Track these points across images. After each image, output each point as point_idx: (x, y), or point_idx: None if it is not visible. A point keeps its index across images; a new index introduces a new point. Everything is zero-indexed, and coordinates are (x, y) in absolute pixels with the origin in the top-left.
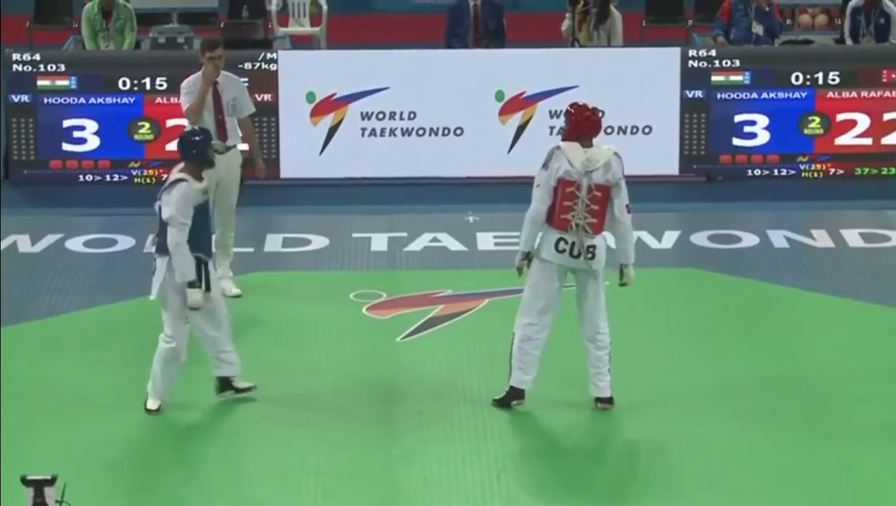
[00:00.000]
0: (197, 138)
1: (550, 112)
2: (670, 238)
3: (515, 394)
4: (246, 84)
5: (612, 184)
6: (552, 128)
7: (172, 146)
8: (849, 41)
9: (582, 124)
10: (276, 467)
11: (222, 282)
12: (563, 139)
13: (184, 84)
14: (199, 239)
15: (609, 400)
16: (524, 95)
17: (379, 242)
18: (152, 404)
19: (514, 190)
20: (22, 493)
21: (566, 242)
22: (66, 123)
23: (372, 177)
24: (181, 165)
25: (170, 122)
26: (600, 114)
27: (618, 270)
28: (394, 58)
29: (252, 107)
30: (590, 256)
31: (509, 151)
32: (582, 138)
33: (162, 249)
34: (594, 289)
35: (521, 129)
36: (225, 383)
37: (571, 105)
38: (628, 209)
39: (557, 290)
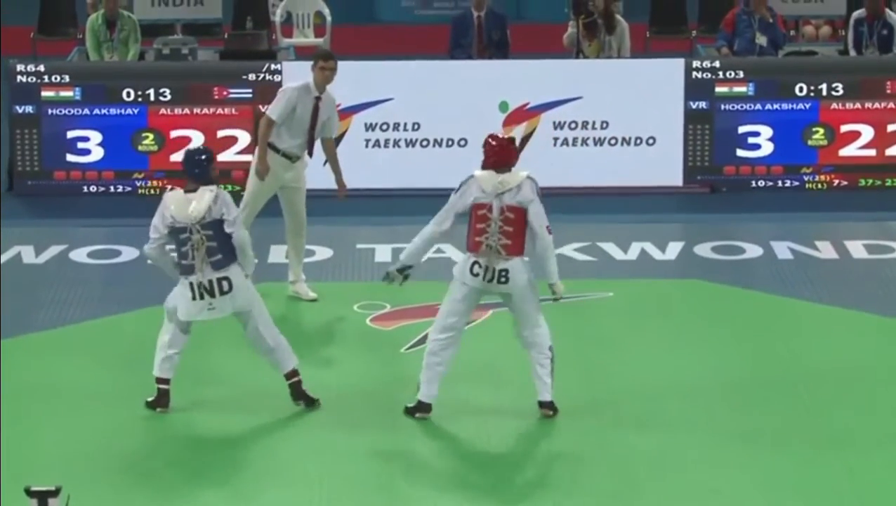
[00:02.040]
0: (201, 157)
1: (554, 123)
2: (674, 249)
3: (421, 407)
4: (250, 96)
5: (524, 205)
6: (556, 139)
7: (176, 157)
8: (852, 52)
9: (499, 153)
10: (280, 477)
11: (297, 286)
12: (482, 168)
13: (283, 89)
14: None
15: (549, 404)
16: (528, 106)
17: (383, 253)
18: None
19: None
20: (25, 503)
21: (480, 266)
22: (70, 134)
23: (375, 188)
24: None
25: (174, 133)
26: (517, 144)
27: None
28: (398, 69)
29: (337, 129)
30: (503, 279)
31: None
32: (498, 166)
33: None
34: (516, 307)
35: (525, 140)
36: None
37: (490, 135)
38: (548, 230)
39: (469, 310)
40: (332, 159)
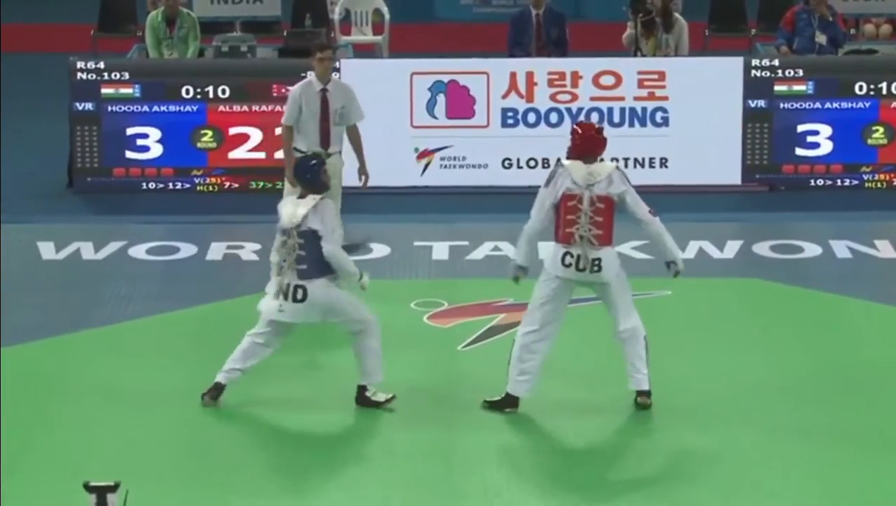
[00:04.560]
0: (312, 164)
1: (610, 123)
2: (732, 248)
3: (510, 401)
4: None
5: (614, 196)
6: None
7: (235, 154)
8: None
9: (587, 143)
10: (339, 476)
11: None
12: (568, 157)
13: (291, 90)
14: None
15: (646, 393)
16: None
17: (440, 250)
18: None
19: None
20: (84, 500)
21: (571, 256)
22: (130, 131)
23: (434, 185)
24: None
25: (232, 131)
26: (604, 133)
27: (668, 271)
28: (456, 66)
29: (361, 115)
30: (595, 268)
31: None
32: (586, 156)
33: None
34: (610, 297)
35: None
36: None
37: (578, 124)
38: (652, 213)
39: (562, 303)
40: (356, 147)
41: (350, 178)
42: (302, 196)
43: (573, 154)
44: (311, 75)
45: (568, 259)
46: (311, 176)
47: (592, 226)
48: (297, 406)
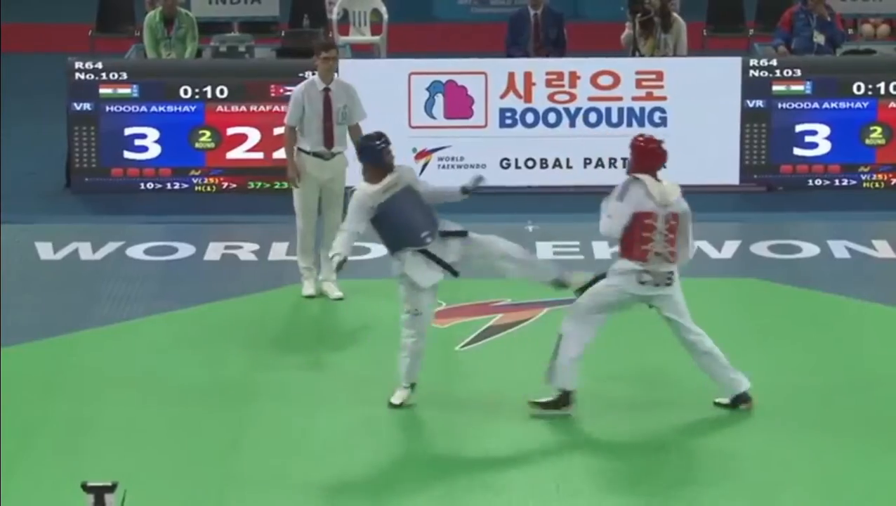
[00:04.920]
0: (375, 143)
1: (608, 123)
2: (730, 248)
3: (567, 400)
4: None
5: (682, 213)
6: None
7: (233, 154)
8: None
9: (650, 156)
10: (328, 476)
11: (325, 285)
12: (631, 171)
13: (293, 91)
14: (408, 232)
15: (743, 397)
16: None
17: None
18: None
19: (573, 200)
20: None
21: (648, 274)
22: (128, 132)
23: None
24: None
25: (231, 131)
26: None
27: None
28: (454, 66)
29: (363, 114)
30: (668, 281)
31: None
32: (650, 170)
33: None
34: (676, 308)
35: None
36: None
37: (638, 137)
38: None
39: (612, 312)
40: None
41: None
42: (376, 180)
43: (636, 168)
44: (313, 75)
45: (645, 277)
46: (374, 155)
47: (667, 243)
48: (300, 405)
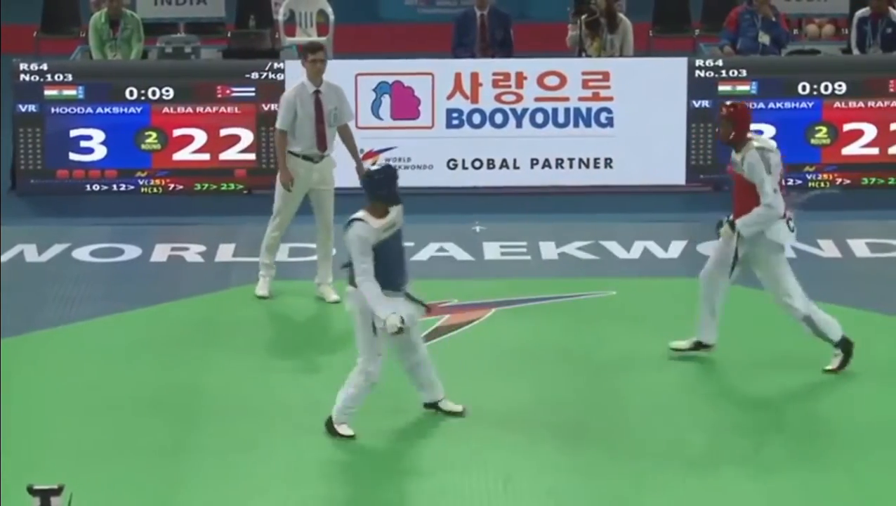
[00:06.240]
0: (380, 178)
1: (555, 123)
2: (677, 248)
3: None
4: (253, 95)
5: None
6: (557, 139)
7: (179, 155)
8: (856, 51)
9: (746, 114)
10: (281, 473)
11: (322, 287)
12: (736, 139)
13: (283, 96)
14: (393, 273)
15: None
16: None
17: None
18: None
19: (520, 200)
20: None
21: (792, 221)
22: (73, 133)
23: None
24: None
25: (177, 132)
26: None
27: None
28: (401, 67)
29: (351, 114)
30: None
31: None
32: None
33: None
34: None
35: None
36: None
37: (728, 105)
38: None
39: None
40: (349, 146)
41: (345, 179)
42: (379, 215)
43: (742, 133)
44: (303, 78)
45: (791, 224)
46: (386, 190)
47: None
48: (248, 408)
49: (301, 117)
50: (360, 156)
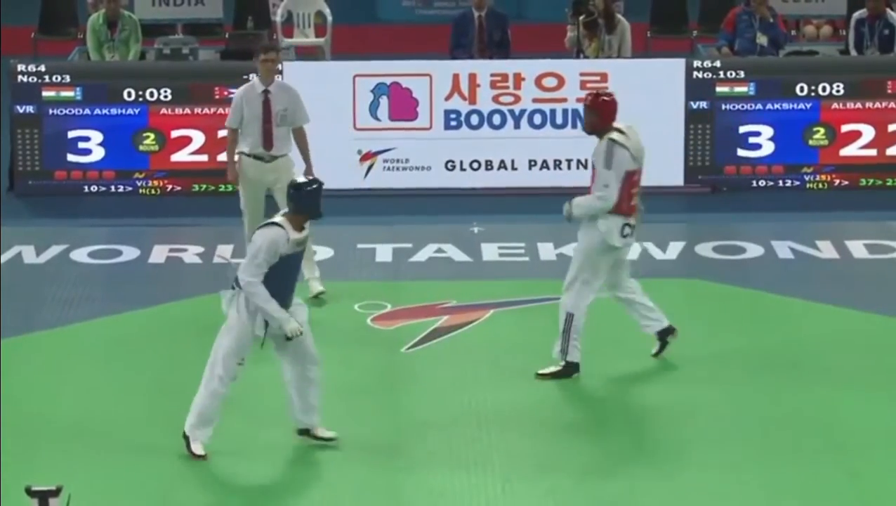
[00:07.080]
0: (310, 191)
1: (553, 124)
2: (675, 249)
3: (573, 368)
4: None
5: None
6: (555, 140)
7: (177, 157)
8: (853, 52)
9: (610, 107)
10: (281, 478)
11: (310, 283)
12: (596, 130)
13: (234, 93)
14: (286, 289)
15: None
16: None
17: (383, 252)
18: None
19: (518, 201)
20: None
21: (630, 228)
22: (71, 134)
23: (377, 188)
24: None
25: (175, 133)
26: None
27: None
28: (399, 68)
29: (307, 118)
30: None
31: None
32: (614, 121)
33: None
34: (624, 261)
35: None
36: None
37: (596, 93)
38: None
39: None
40: (302, 149)
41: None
42: (297, 226)
43: (603, 125)
44: (254, 77)
45: (627, 230)
46: (309, 202)
47: (637, 197)
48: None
49: (248, 117)
50: (310, 163)
